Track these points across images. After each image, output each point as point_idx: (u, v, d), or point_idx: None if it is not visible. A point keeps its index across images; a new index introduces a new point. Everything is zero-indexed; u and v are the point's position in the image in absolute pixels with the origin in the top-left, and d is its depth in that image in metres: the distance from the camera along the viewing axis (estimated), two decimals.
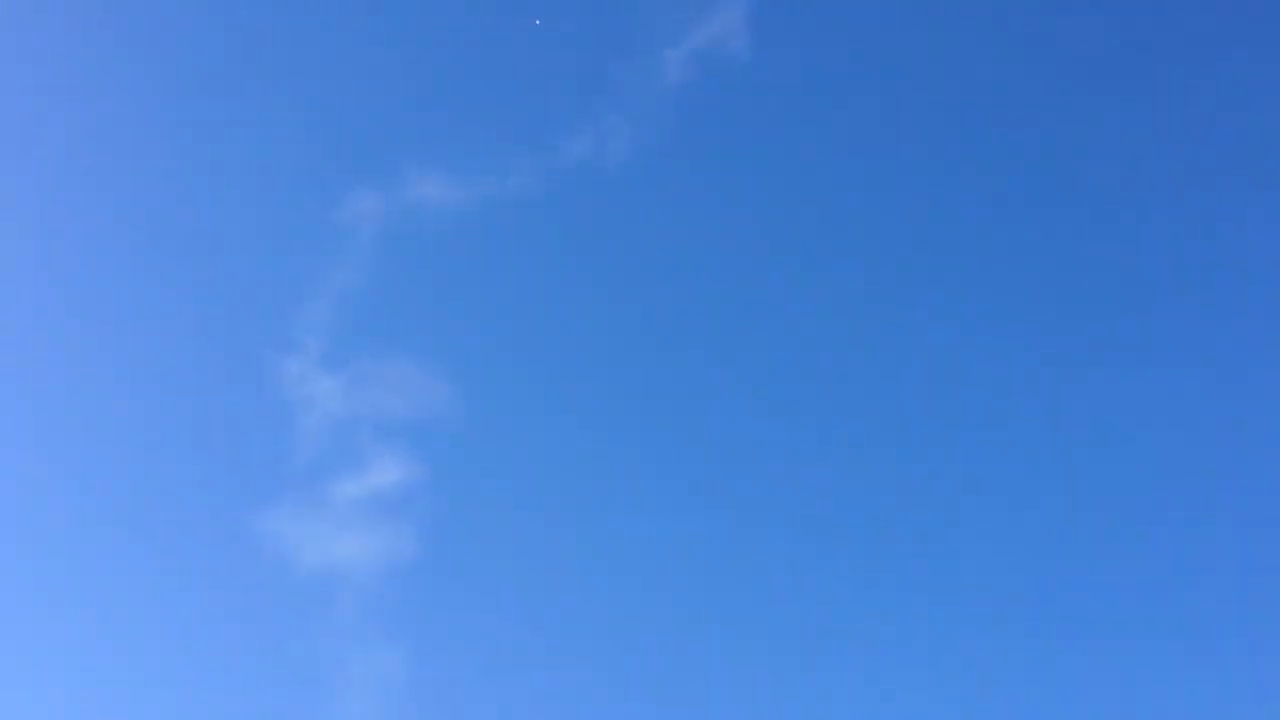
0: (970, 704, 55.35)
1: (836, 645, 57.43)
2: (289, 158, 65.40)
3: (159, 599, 57.84)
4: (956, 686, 55.79)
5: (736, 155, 65.74)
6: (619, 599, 58.19)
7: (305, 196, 63.96)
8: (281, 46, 66.67)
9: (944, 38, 65.73)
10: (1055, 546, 57.99)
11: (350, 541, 56.79)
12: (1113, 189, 63.14)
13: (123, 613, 57.67)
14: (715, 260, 64.31)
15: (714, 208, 65.22)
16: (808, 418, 61.78)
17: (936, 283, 63.40)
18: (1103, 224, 62.81)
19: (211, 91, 65.30)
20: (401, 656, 55.47)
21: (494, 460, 60.87)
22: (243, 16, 66.29)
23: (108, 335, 62.42)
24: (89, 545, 58.82)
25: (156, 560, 58.24)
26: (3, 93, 64.16)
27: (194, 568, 58.05)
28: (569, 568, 58.85)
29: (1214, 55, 63.32)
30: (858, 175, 65.14)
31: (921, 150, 64.85)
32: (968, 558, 57.98)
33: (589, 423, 61.82)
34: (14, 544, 58.56)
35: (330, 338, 61.16)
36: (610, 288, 64.24)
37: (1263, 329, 59.91)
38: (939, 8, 66.05)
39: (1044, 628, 56.65)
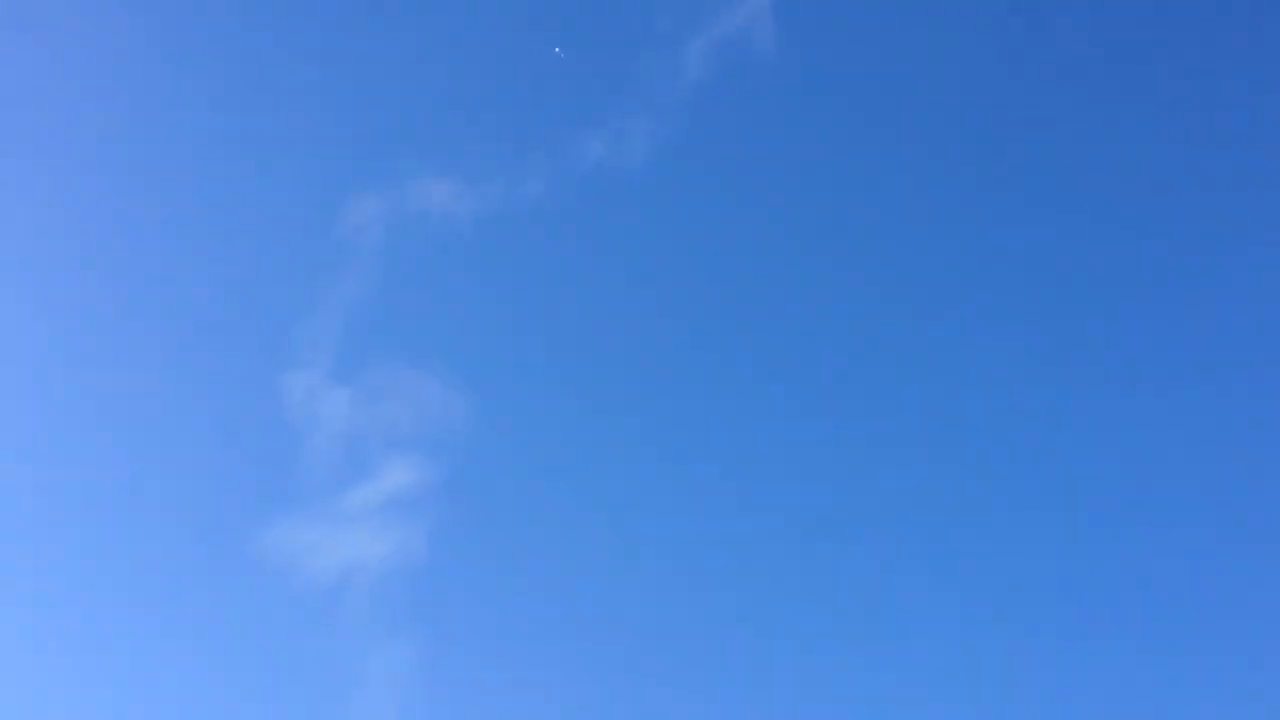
0: (974, 698, 55.19)
1: (848, 643, 57.37)
2: (286, 164, 64.95)
3: (174, 611, 57.91)
4: (958, 680, 55.66)
5: (761, 153, 64.66)
6: (629, 596, 58.33)
7: (306, 205, 63.65)
8: (279, 45, 65.88)
9: (970, 32, 64.80)
10: (1058, 545, 57.55)
11: (362, 546, 56.98)
12: (1148, 193, 62.14)
13: (139, 624, 57.87)
14: (738, 264, 63.69)
15: (738, 209, 64.47)
16: (828, 420, 61.34)
17: (960, 280, 62.66)
18: (1133, 226, 61.83)
19: (206, 91, 64.79)
20: (415, 653, 55.72)
21: (505, 465, 60.68)
22: (239, 13, 65.57)
23: (114, 356, 62.22)
24: (104, 559, 58.91)
25: (171, 574, 58.46)
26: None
27: (206, 579, 58.26)
28: (580, 565, 59.05)
29: (1215, 55, 62.18)
30: (883, 172, 64.08)
31: (948, 146, 63.90)
32: (973, 553, 57.81)
33: (601, 428, 61.57)
34: (31, 558, 58.81)
35: (337, 350, 60.76)
36: (627, 294, 63.75)
37: (1263, 329, 59.24)
38: (965, 2, 64.26)
39: (1051, 626, 56.32)
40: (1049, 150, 63.12)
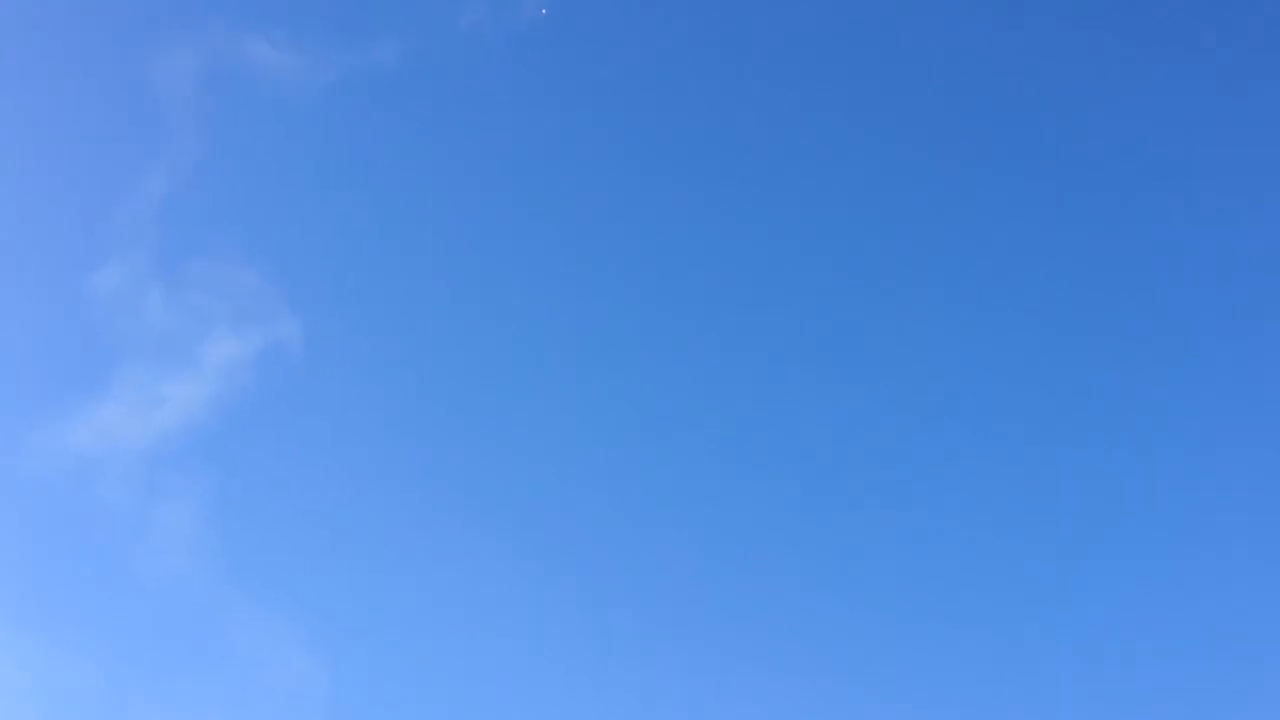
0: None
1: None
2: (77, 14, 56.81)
3: None
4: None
5: (665, 18, 58.03)
6: (427, 461, 56.29)
7: (107, 62, 55.62)
8: None
9: None
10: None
11: (164, 425, 55.32)
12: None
13: None
14: (633, 142, 57.06)
15: (638, 78, 57.45)
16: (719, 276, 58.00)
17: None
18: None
19: None
20: (204, 511, 54.40)
21: (327, 362, 57.14)
22: None
23: None
24: None
25: None
26: None
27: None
28: (393, 441, 56.69)
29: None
30: (805, 25, 59.22)
31: None
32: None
33: (443, 331, 57.53)
34: None
35: (150, 239, 55.59)
36: (490, 182, 56.66)
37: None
38: None
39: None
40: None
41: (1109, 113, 58.71)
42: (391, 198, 56.57)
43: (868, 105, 58.37)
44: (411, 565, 53.69)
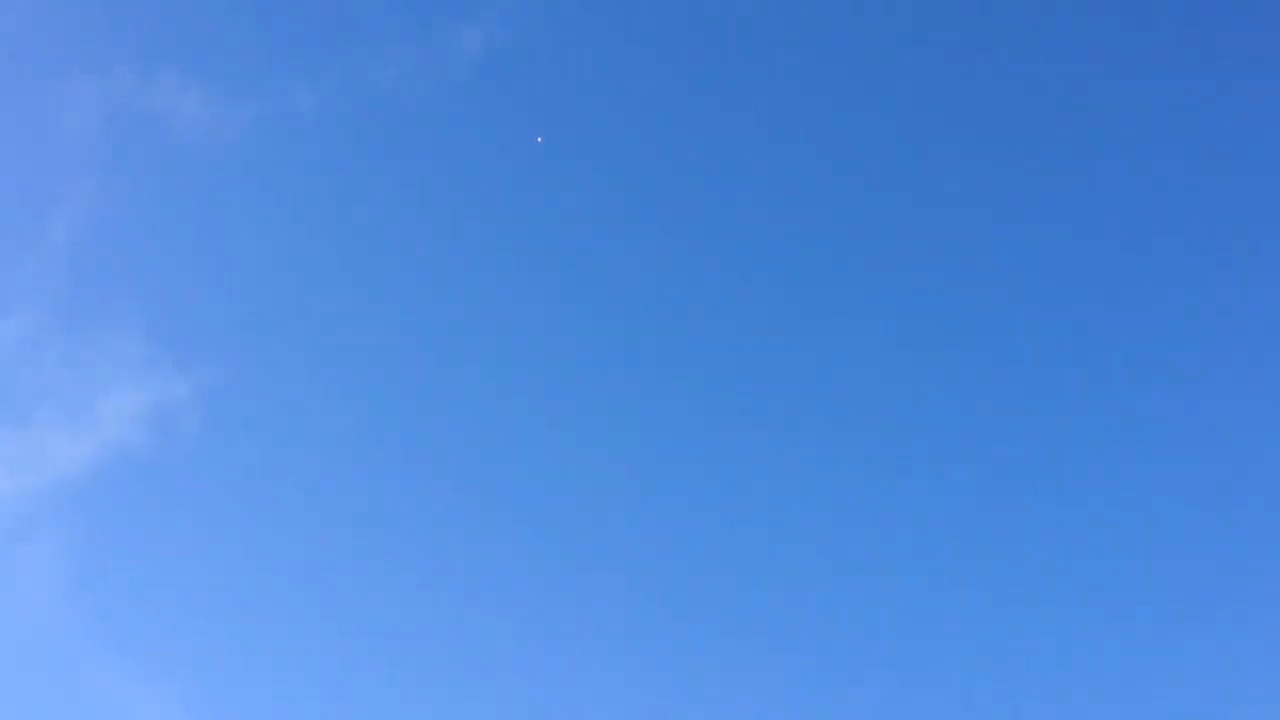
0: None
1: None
2: None
3: None
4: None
5: (614, 48, 57.45)
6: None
7: (10, 101, 54.70)
8: None
9: None
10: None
11: (37, 477, 54.92)
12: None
13: None
14: (585, 188, 57.69)
15: (584, 125, 57.30)
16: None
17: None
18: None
19: None
20: (75, 563, 54.57)
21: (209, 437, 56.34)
22: None
23: None
24: None
25: None
26: None
27: None
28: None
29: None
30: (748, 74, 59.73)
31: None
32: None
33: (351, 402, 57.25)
34: None
35: (49, 292, 54.93)
36: (408, 238, 53.66)
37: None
38: None
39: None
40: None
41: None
42: (303, 254, 53.66)
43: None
44: (284, 624, 53.75)
